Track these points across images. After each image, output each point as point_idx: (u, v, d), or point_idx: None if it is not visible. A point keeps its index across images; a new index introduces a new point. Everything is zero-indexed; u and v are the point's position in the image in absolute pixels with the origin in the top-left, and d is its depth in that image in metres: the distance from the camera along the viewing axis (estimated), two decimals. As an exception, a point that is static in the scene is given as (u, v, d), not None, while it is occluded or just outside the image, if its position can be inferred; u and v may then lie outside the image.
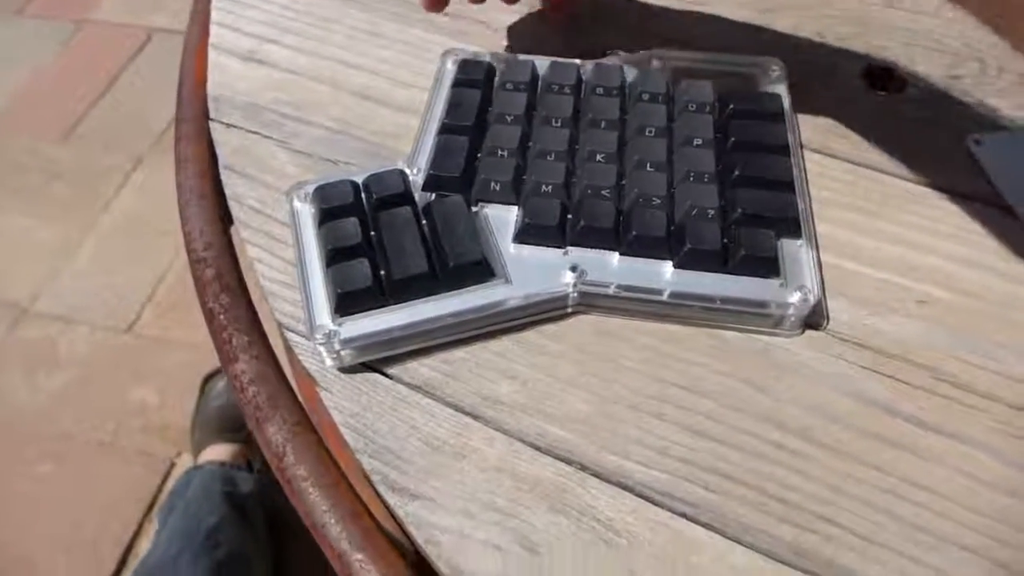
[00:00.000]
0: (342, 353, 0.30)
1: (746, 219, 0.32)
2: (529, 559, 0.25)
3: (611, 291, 0.31)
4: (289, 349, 0.32)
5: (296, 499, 0.28)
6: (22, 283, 1.24)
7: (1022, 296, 0.32)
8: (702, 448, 0.28)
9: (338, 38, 0.44)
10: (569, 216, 0.33)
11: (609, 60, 0.40)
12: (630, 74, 0.38)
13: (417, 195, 0.34)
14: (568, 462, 0.28)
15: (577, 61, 0.39)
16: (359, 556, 0.27)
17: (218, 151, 0.39)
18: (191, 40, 0.46)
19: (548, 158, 0.34)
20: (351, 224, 0.32)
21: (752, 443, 0.28)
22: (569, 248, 0.32)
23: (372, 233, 0.32)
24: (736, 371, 0.30)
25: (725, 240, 0.31)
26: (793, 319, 0.30)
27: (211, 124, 0.40)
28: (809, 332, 0.31)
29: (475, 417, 0.29)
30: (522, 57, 0.40)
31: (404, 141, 0.37)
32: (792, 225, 0.32)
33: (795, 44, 0.42)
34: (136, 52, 1.62)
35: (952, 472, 0.27)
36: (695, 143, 0.35)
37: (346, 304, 0.30)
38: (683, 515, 0.26)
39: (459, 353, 0.30)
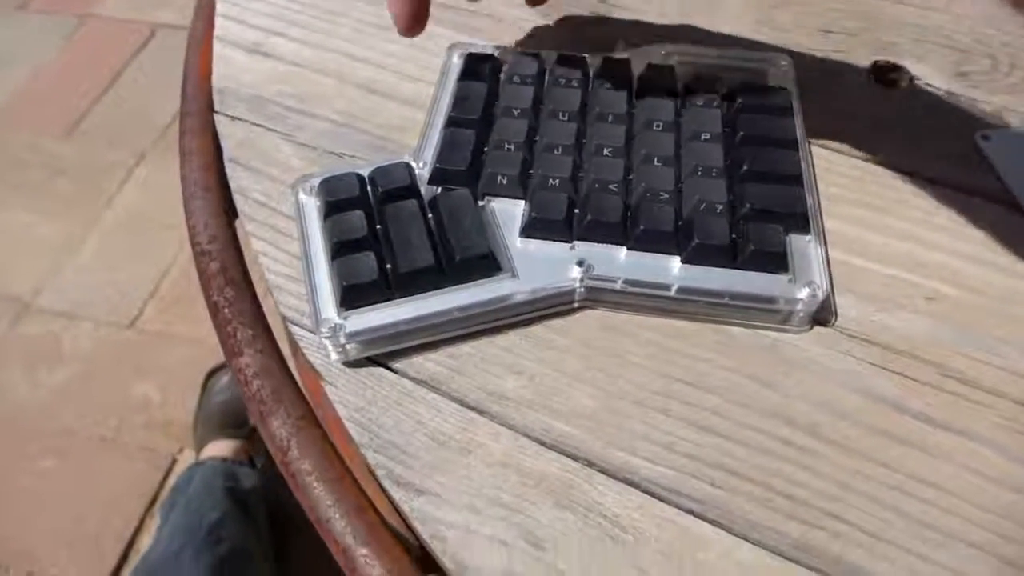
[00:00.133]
0: (347, 347, 0.30)
1: (754, 214, 0.32)
2: (535, 555, 0.25)
3: (618, 286, 0.31)
4: (294, 343, 0.32)
5: (300, 493, 0.28)
6: (25, 279, 1.24)
7: (1031, 293, 0.31)
8: (708, 444, 0.27)
9: (344, 31, 0.44)
10: (576, 210, 0.32)
11: (617, 54, 0.39)
12: (638, 68, 0.38)
13: (423, 188, 0.34)
14: (574, 458, 0.27)
15: (584, 55, 0.39)
16: (363, 551, 0.26)
17: (223, 144, 0.38)
18: (196, 34, 0.46)
19: (555, 152, 0.34)
20: (357, 217, 0.32)
21: (759, 439, 0.27)
22: (576, 242, 0.32)
23: (378, 226, 0.32)
24: (742, 367, 0.29)
25: (733, 235, 0.31)
26: (802, 315, 0.30)
27: (216, 117, 0.40)
28: (817, 328, 0.30)
29: (481, 412, 0.29)
30: (529, 51, 0.39)
31: (410, 134, 0.37)
32: (801, 220, 0.32)
33: (803, 39, 0.42)
34: (140, 48, 1.62)
35: (959, 469, 0.27)
36: (703, 137, 0.34)
37: (351, 297, 0.30)
38: (689, 511, 0.26)
39: (465, 348, 0.30)
